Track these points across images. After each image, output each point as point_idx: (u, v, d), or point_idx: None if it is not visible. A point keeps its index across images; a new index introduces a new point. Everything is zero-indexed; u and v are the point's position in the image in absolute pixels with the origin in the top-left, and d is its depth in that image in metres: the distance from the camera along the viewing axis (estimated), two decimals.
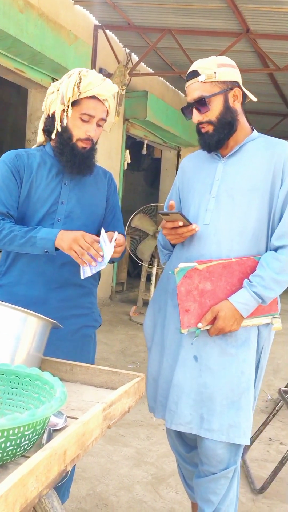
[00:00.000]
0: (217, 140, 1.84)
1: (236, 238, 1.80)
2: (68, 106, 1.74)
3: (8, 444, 1.03)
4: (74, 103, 1.75)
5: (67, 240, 1.66)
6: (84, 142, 1.80)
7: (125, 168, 7.45)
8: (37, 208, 1.80)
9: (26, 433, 1.06)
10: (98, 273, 1.95)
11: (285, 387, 3.06)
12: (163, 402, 1.89)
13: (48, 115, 1.82)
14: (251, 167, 1.82)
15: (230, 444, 1.79)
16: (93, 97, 1.75)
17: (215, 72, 1.78)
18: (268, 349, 1.90)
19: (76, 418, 1.38)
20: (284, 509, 2.45)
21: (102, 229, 1.73)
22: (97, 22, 6.20)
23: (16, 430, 1.03)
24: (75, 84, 1.72)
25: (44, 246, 1.70)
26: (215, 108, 1.81)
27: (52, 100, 1.78)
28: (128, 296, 7.69)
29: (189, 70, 1.83)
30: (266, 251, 1.82)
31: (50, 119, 1.81)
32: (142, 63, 7.14)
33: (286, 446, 3.20)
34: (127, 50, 6.93)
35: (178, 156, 9.27)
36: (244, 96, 1.88)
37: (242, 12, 5.07)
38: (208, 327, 1.76)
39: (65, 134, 1.78)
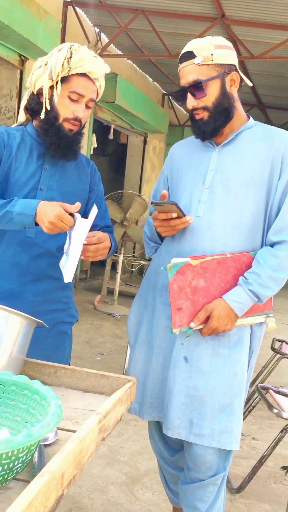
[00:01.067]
0: (213, 128, 1.72)
1: (231, 232, 1.69)
2: (56, 82, 1.58)
3: (0, 469, 0.89)
4: (63, 80, 1.59)
5: (46, 216, 1.46)
6: (71, 123, 1.64)
7: (91, 152, 7.24)
8: (14, 192, 1.63)
9: (20, 455, 0.92)
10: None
11: (260, 383, 3.01)
12: (155, 403, 1.78)
13: (33, 92, 1.65)
14: (248, 156, 1.71)
15: (220, 450, 1.70)
16: (83, 74, 1.60)
17: (212, 54, 1.64)
18: (258, 349, 1.82)
19: (67, 430, 1.25)
20: (262, 509, 2.40)
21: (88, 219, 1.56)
22: None
23: (10, 453, 0.89)
24: (65, 59, 1.56)
25: (22, 221, 1.50)
26: (212, 93, 1.67)
27: (39, 75, 1.62)
28: (92, 284, 7.53)
29: (184, 51, 1.69)
30: (262, 246, 1.72)
31: (35, 97, 1.64)
32: (111, 44, 6.92)
33: (258, 441, 3.17)
34: (97, 30, 6.69)
35: (145, 142, 9.11)
36: (241, 80, 1.76)
37: None
38: (200, 327, 1.65)
39: (50, 113, 1.62)
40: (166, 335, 1.76)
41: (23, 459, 0.94)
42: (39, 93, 1.64)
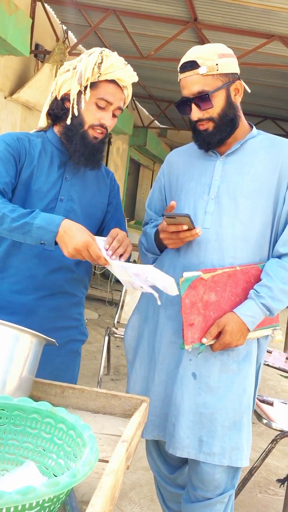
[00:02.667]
0: (219, 139, 1.67)
1: (239, 244, 1.65)
2: (85, 87, 1.49)
3: None
4: (92, 86, 1.51)
5: (69, 246, 1.35)
6: (97, 130, 1.56)
7: None
8: (34, 202, 1.54)
9: (61, 496, 0.84)
10: (86, 282, 1.74)
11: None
12: (156, 422, 1.71)
13: (56, 97, 1.56)
14: (254, 166, 1.67)
15: (228, 467, 1.66)
16: (113, 81, 1.53)
17: (217, 64, 1.59)
18: (263, 362, 1.78)
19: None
20: None
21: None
22: None
23: (52, 496, 0.81)
24: (95, 64, 1.48)
25: (41, 237, 1.37)
26: (218, 104, 1.63)
27: (66, 80, 1.52)
28: None
29: (185, 60, 1.62)
30: (268, 257, 1.69)
31: (59, 102, 1.55)
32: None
33: None
34: (64, 27, 6.55)
35: (109, 143, 9.01)
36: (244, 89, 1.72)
37: (192, 0, 4.93)
38: (212, 342, 1.60)
39: (76, 120, 1.54)
40: (170, 351, 1.70)
41: (62, 499, 0.86)
42: (64, 98, 1.55)
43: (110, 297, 6.77)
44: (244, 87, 1.70)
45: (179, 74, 1.66)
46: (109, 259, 1.40)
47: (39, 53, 5.94)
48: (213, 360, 1.64)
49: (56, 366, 1.63)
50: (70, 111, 1.53)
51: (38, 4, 5.77)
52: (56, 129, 1.62)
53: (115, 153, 9.43)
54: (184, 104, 1.66)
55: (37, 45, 5.95)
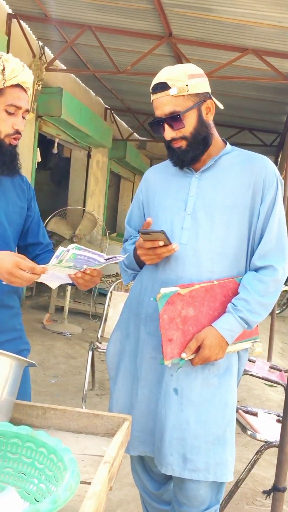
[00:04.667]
0: (192, 156, 1.70)
1: (216, 258, 1.67)
2: None
3: None
4: None
5: (3, 273, 1.40)
6: (12, 137, 1.56)
7: (36, 167, 7.07)
8: None
9: None
10: (20, 291, 1.76)
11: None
12: (142, 437, 1.71)
13: None
14: (229, 182, 1.70)
15: (213, 482, 1.66)
16: (17, 85, 1.53)
17: (187, 85, 1.63)
18: (241, 374, 1.80)
19: None
20: None
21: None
22: (10, 11, 5.80)
23: None
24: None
25: None
26: (189, 124, 1.66)
27: None
28: (38, 302, 7.32)
29: (156, 81, 1.66)
30: (246, 271, 1.71)
31: None
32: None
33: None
34: (41, 43, 6.58)
35: (89, 156, 9.03)
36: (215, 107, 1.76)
37: (167, 15, 4.99)
38: (191, 357, 1.61)
39: None
40: (152, 366, 1.70)
41: None
42: None
43: (93, 310, 6.75)
44: (216, 105, 1.73)
45: (151, 95, 1.69)
46: (58, 265, 1.39)
47: None
48: (194, 374, 1.65)
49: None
50: None
51: (14, 21, 5.79)
52: None
53: (95, 166, 9.46)
54: (157, 124, 1.69)
55: None
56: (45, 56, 6.56)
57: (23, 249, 1.77)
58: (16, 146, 1.59)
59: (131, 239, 1.88)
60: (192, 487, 1.63)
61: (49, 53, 6.82)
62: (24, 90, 1.55)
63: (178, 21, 5.12)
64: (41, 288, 7.86)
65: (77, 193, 9.08)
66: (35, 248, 1.78)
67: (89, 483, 1.08)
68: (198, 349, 1.61)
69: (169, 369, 1.65)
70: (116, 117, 10.34)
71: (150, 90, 1.69)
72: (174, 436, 1.63)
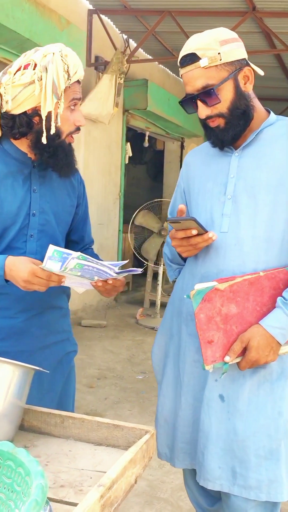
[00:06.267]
0: (233, 135, 1.47)
1: (262, 246, 1.44)
2: (59, 101, 1.36)
3: None
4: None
5: (18, 280, 1.33)
6: (73, 135, 1.46)
7: (126, 162, 7.06)
8: (7, 225, 1.44)
9: None
10: (69, 291, 1.68)
11: None
12: (186, 449, 1.54)
13: (7, 111, 1.39)
14: (273, 157, 1.46)
15: (265, 502, 1.44)
16: (77, 81, 1.42)
17: (219, 53, 1.39)
18: None
19: (66, 503, 1.03)
20: None
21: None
22: (90, 6, 5.81)
23: None
24: (64, 71, 1.35)
25: None
26: (226, 98, 1.43)
27: (30, 94, 1.35)
28: (134, 297, 7.33)
29: (184, 53, 1.43)
30: None
31: (24, 118, 1.38)
32: (141, 50, 6.75)
33: None
34: (125, 36, 6.53)
35: (182, 147, 8.87)
36: (255, 74, 1.50)
37: None
38: (237, 360, 1.40)
39: (51, 132, 1.40)
40: (195, 371, 1.52)
41: None
42: (29, 113, 1.38)
43: None
44: (255, 72, 1.49)
45: (179, 69, 1.48)
46: (64, 273, 1.30)
47: (99, 65, 5.95)
48: (241, 380, 1.44)
49: (54, 384, 1.57)
50: (44, 128, 1.37)
51: (94, 16, 5.79)
52: (17, 142, 1.45)
53: None
54: (189, 101, 1.48)
55: (97, 58, 5.97)
56: (129, 49, 6.49)
57: (64, 246, 1.69)
58: (71, 143, 1.50)
59: None
60: (240, 505, 1.43)
61: (134, 46, 6.76)
62: (79, 82, 1.46)
63: None
64: (139, 282, 7.87)
65: (172, 186, 8.96)
66: (75, 246, 1.69)
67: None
68: (244, 351, 1.40)
69: (212, 374, 1.46)
70: None
71: (178, 64, 1.49)
72: (221, 447, 1.44)
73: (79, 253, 1.23)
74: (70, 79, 1.37)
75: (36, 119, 1.39)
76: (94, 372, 4.36)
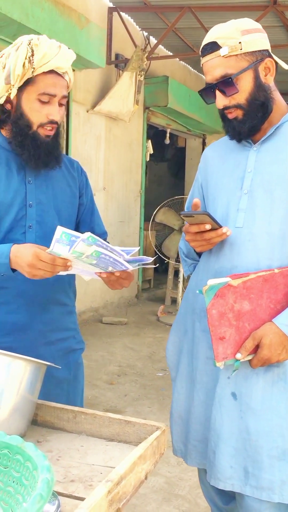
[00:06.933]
0: (250, 127, 1.46)
1: (277, 242, 1.42)
2: (12, 86, 1.37)
3: None
4: (29, 82, 1.38)
5: (23, 266, 1.30)
6: (47, 128, 1.44)
7: (148, 159, 7.06)
8: (1, 215, 1.45)
9: None
10: (75, 287, 1.67)
11: None
12: (198, 447, 1.53)
13: None
14: None
15: (279, 504, 1.42)
16: (51, 71, 1.39)
17: (240, 42, 1.38)
18: None
19: (75, 498, 1.04)
20: None
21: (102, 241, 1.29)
22: (111, 4, 5.81)
23: None
24: (26, 58, 1.34)
25: None
26: (245, 88, 1.41)
27: None
28: (155, 294, 7.33)
29: (205, 42, 1.43)
30: None
31: None
32: (161, 47, 6.73)
33: None
34: (145, 33, 6.52)
35: (204, 144, 8.82)
36: (277, 66, 1.48)
37: None
38: (249, 357, 1.39)
39: (20, 121, 1.41)
40: (208, 368, 1.51)
41: None
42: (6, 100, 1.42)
43: None
44: (278, 64, 1.47)
45: (201, 58, 1.48)
46: (80, 259, 1.26)
47: (119, 63, 5.96)
48: (254, 378, 1.42)
49: (61, 381, 1.56)
50: (12, 116, 1.40)
51: (115, 14, 5.80)
52: (5, 132, 1.48)
53: None
54: (208, 91, 1.47)
55: (117, 55, 5.98)
56: (149, 45, 6.49)
57: None
58: (55, 137, 1.48)
59: None
60: (254, 506, 1.41)
61: (154, 43, 6.74)
62: (60, 75, 1.43)
63: None
64: (160, 279, 7.87)
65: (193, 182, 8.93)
66: None
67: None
68: (256, 349, 1.38)
69: (225, 370, 1.45)
70: None
71: (200, 53, 1.48)
72: (233, 446, 1.43)
73: (89, 233, 1.18)
74: (33, 68, 1.36)
75: (8, 106, 1.42)
76: (114, 369, 4.38)
